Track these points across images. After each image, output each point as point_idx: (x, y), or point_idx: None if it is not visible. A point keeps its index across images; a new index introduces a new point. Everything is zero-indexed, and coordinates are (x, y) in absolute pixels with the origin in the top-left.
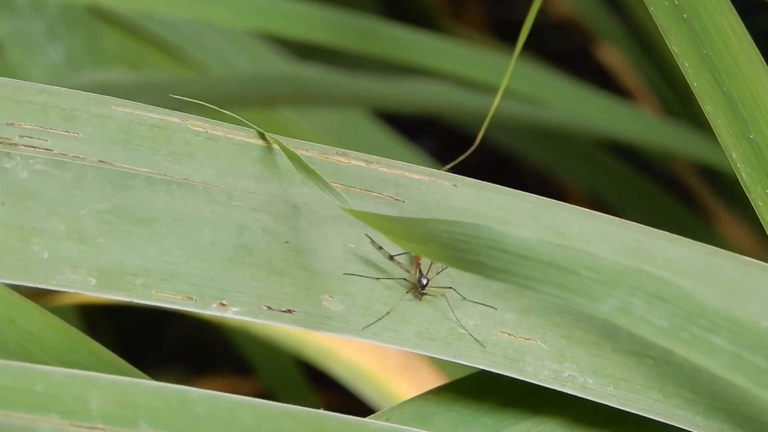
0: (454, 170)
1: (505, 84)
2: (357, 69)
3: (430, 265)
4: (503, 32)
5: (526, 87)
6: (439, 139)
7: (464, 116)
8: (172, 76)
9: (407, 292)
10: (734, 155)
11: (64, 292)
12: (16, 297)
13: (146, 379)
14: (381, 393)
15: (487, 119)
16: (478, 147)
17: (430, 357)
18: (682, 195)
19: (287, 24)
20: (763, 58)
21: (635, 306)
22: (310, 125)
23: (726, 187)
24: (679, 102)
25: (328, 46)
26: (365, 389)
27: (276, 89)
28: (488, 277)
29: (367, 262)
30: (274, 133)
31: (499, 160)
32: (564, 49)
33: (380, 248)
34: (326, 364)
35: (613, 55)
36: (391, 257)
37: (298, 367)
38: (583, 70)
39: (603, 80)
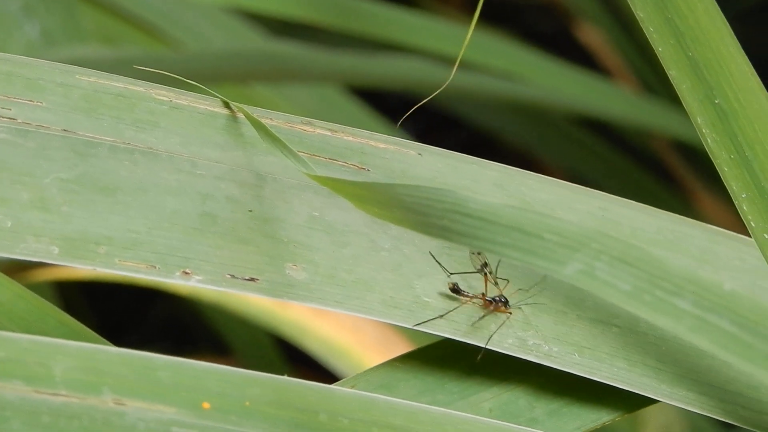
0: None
1: (463, 53)
2: (334, 46)
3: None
4: (483, 12)
5: (506, 64)
6: (422, 122)
7: (442, 94)
8: (147, 52)
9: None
10: (699, 120)
11: (39, 266)
12: None
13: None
14: (357, 368)
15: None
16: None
17: (405, 332)
18: (660, 173)
19: (263, 0)
20: (728, 24)
21: (599, 269)
22: (286, 101)
23: (704, 164)
24: (658, 81)
25: (305, 23)
26: (341, 365)
27: (251, 65)
28: (453, 242)
29: (332, 231)
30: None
31: (479, 139)
32: (545, 30)
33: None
34: (302, 340)
35: (594, 36)
36: (456, 290)
37: (275, 346)
38: (564, 51)
39: (583, 60)
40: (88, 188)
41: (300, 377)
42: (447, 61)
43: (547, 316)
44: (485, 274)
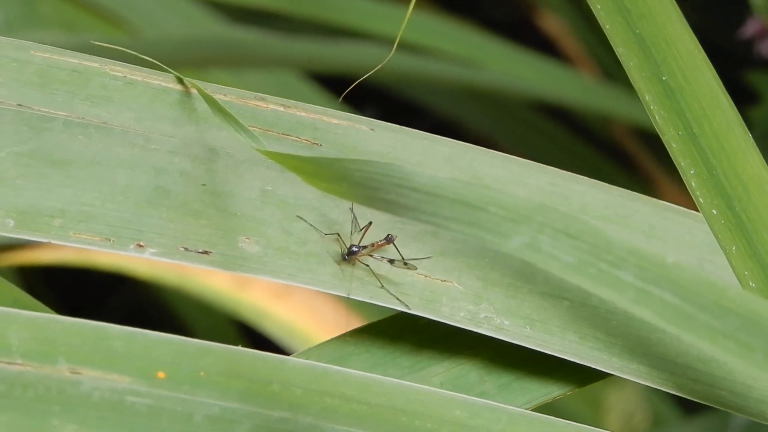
0: None
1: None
2: (291, 32)
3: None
4: (443, 0)
5: (466, 50)
6: (384, 109)
7: (404, 81)
8: (105, 37)
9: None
10: (647, 98)
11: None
12: None
13: None
14: None
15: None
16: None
17: (363, 313)
18: (620, 159)
19: None
20: (674, 1)
21: (543, 242)
22: (244, 87)
23: (663, 150)
24: (619, 69)
25: (262, 9)
26: (300, 348)
27: (209, 51)
28: (399, 215)
29: (284, 205)
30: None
31: (441, 127)
32: (505, 18)
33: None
34: (262, 323)
35: (554, 24)
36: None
37: (237, 332)
38: (525, 39)
39: (545, 49)
40: (42, 162)
41: None
42: (407, 47)
43: (499, 289)
44: (361, 229)
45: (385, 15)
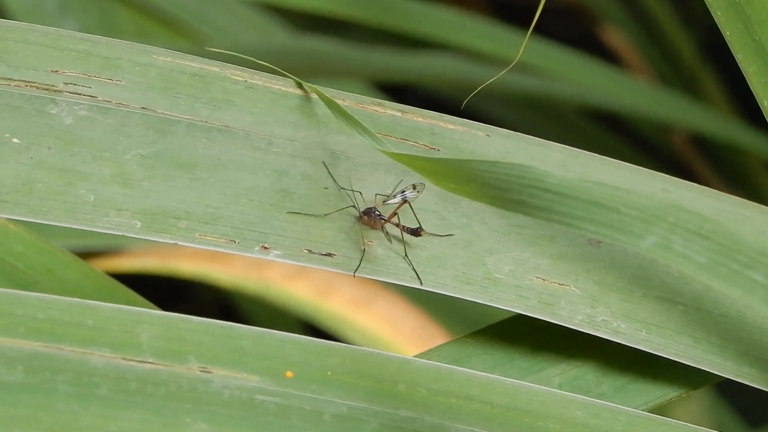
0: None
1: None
2: (358, 40)
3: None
4: (505, 16)
5: (535, 60)
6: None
7: (454, 86)
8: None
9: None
10: (766, 103)
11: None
12: (52, 247)
13: None
14: None
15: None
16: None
17: (443, 323)
18: (679, 170)
19: None
20: None
21: (675, 242)
22: None
23: (721, 159)
24: (682, 82)
25: (328, 17)
26: None
27: (277, 61)
28: (531, 216)
29: (404, 209)
30: None
31: None
32: (567, 33)
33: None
34: (343, 332)
35: (618, 38)
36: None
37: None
38: (588, 53)
39: (607, 63)
40: (167, 164)
41: None
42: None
43: (614, 293)
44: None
45: (450, 24)
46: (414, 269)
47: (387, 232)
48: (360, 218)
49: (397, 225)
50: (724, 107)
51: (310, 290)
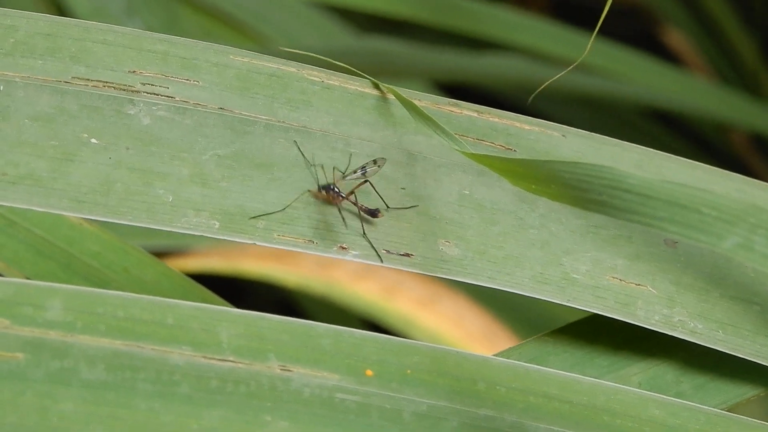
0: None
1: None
2: (420, 40)
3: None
4: (564, 15)
5: (595, 59)
6: None
7: (521, 89)
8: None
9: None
10: None
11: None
12: (129, 247)
13: None
14: None
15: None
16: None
17: (508, 323)
18: (738, 169)
19: None
20: None
21: (756, 243)
22: None
23: None
24: (743, 82)
25: (390, 18)
26: None
27: (340, 62)
28: (611, 216)
29: (481, 209)
30: None
31: None
32: (627, 34)
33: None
34: (407, 331)
35: (678, 39)
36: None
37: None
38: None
39: (667, 63)
40: (245, 164)
41: None
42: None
43: (691, 293)
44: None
45: (511, 24)
46: (373, 246)
47: (341, 210)
48: (318, 193)
49: (355, 203)
50: None
51: (377, 290)
